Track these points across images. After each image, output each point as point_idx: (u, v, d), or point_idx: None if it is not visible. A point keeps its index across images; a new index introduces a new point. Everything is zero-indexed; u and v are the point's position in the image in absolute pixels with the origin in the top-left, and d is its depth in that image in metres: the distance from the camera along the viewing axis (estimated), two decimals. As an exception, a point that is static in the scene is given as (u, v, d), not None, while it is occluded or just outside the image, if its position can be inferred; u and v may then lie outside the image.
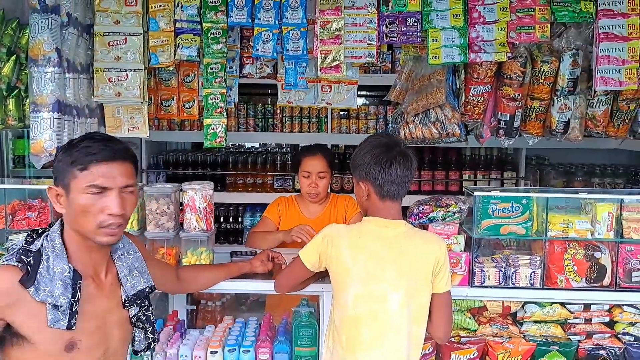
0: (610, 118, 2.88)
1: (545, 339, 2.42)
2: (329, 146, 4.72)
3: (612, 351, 2.40)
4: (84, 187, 1.58)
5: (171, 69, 2.86)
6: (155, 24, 2.65)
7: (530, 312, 2.42)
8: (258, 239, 2.95)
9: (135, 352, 1.87)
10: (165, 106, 2.97)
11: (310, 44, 2.71)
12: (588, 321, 2.44)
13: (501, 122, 2.86)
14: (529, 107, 2.83)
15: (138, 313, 1.81)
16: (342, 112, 4.98)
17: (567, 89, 2.73)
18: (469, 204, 2.44)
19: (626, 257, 2.34)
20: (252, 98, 5.41)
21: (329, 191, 3.13)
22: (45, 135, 2.37)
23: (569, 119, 2.83)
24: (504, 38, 2.63)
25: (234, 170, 4.99)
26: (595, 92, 2.74)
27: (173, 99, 2.96)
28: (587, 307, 2.42)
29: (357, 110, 4.90)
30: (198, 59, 2.72)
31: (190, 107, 2.98)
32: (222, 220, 4.93)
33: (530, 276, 2.34)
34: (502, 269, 2.35)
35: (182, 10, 2.65)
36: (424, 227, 2.40)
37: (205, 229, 2.39)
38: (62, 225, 1.69)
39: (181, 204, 2.49)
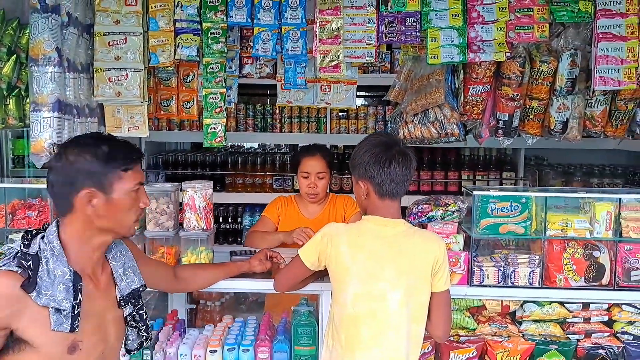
0: (608, 118, 2.89)
1: (544, 338, 2.42)
2: (328, 146, 4.71)
3: (611, 350, 2.41)
4: (132, 185, 1.70)
5: (171, 68, 2.87)
6: (155, 24, 2.66)
7: (529, 311, 2.42)
8: (257, 238, 2.95)
9: (128, 351, 1.89)
10: (164, 106, 2.98)
11: (310, 43, 2.72)
12: (587, 320, 2.44)
13: (500, 121, 2.87)
14: (527, 107, 2.84)
15: (132, 312, 1.84)
16: (341, 113, 4.99)
17: (565, 88, 2.74)
18: (468, 203, 2.45)
19: (625, 256, 2.34)
20: (251, 99, 5.41)
21: (328, 191, 3.14)
22: (46, 135, 2.37)
23: (567, 119, 2.83)
24: (502, 38, 2.63)
25: (233, 170, 5.00)
26: (593, 91, 2.75)
27: (172, 99, 2.97)
28: (585, 306, 2.43)
29: (356, 110, 4.91)
30: (198, 59, 2.73)
31: (189, 107, 2.99)
32: (221, 220, 4.93)
33: (529, 275, 2.35)
34: (501, 268, 2.35)
35: (181, 10, 2.65)
36: (423, 226, 2.41)
37: (204, 228, 2.40)
38: (57, 226, 1.69)
39: (181, 203, 2.49)
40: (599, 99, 2.81)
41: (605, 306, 2.44)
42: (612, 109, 2.86)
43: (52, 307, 1.57)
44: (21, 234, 1.71)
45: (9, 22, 2.61)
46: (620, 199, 2.36)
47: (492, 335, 2.44)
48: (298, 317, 2.42)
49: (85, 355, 1.66)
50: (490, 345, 2.41)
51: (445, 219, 2.43)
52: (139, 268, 1.89)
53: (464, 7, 2.64)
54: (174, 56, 2.68)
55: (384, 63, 4.82)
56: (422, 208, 2.45)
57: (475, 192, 2.37)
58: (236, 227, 4.97)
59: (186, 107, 2.98)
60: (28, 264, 1.57)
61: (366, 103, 5.96)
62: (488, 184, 4.89)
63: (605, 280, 2.35)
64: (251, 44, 2.76)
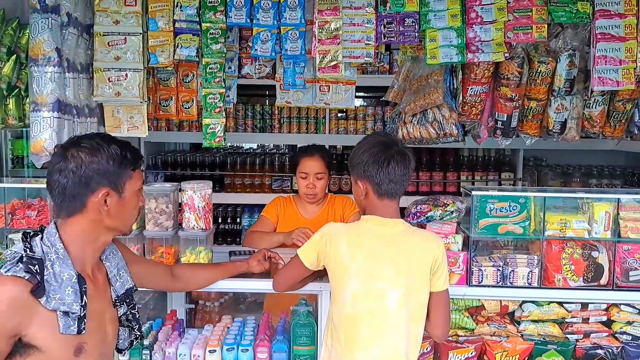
0: (606, 118, 2.89)
1: (543, 338, 2.43)
2: (327, 147, 4.71)
3: (610, 350, 2.41)
4: (139, 184, 1.78)
5: (170, 69, 2.87)
6: (155, 24, 2.66)
7: (527, 311, 2.43)
8: (256, 238, 2.96)
9: (119, 350, 1.90)
10: (164, 106, 2.98)
11: (309, 44, 2.72)
12: (585, 320, 2.45)
13: (498, 122, 2.87)
14: (526, 107, 2.84)
15: (126, 312, 1.86)
16: (340, 113, 4.99)
17: (564, 89, 2.74)
18: (466, 204, 2.45)
19: (623, 257, 2.35)
20: (250, 99, 5.41)
21: (326, 192, 3.14)
22: (45, 135, 2.37)
23: (565, 119, 2.84)
24: (501, 38, 2.64)
25: (232, 171, 5.00)
26: (592, 92, 2.76)
27: (172, 99, 2.97)
28: (584, 306, 2.43)
29: (355, 111, 4.91)
30: (197, 59, 2.73)
31: (189, 107, 2.99)
32: (220, 220, 4.94)
33: (528, 275, 2.35)
34: (500, 268, 2.36)
35: (181, 11, 2.65)
36: (421, 226, 2.41)
37: (204, 227, 2.40)
38: (56, 228, 1.69)
39: (180, 203, 2.49)
40: (597, 100, 2.82)
41: (604, 306, 2.45)
42: (611, 109, 2.86)
43: (60, 311, 1.57)
44: (20, 235, 1.71)
45: (9, 22, 2.61)
46: (618, 199, 2.37)
47: (491, 335, 2.45)
48: (297, 317, 2.42)
49: (89, 356, 1.67)
50: (489, 345, 2.41)
51: (444, 219, 2.43)
52: (132, 268, 1.92)
53: (463, 7, 2.64)
54: (174, 56, 2.68)
55: (382, 63, 4.83)
56: (420, 208, 2.45)
57: (473, 192, 2.37)
58: (235, 227, 4.98)
59: (185, 108, 2.98)
60: (35, 268, 1.56)
61: (365, 103, 5.96)
62: (487, 185, 4.90)
63: (603, 281, 2.36)
64: (250, 44, 2.76)
